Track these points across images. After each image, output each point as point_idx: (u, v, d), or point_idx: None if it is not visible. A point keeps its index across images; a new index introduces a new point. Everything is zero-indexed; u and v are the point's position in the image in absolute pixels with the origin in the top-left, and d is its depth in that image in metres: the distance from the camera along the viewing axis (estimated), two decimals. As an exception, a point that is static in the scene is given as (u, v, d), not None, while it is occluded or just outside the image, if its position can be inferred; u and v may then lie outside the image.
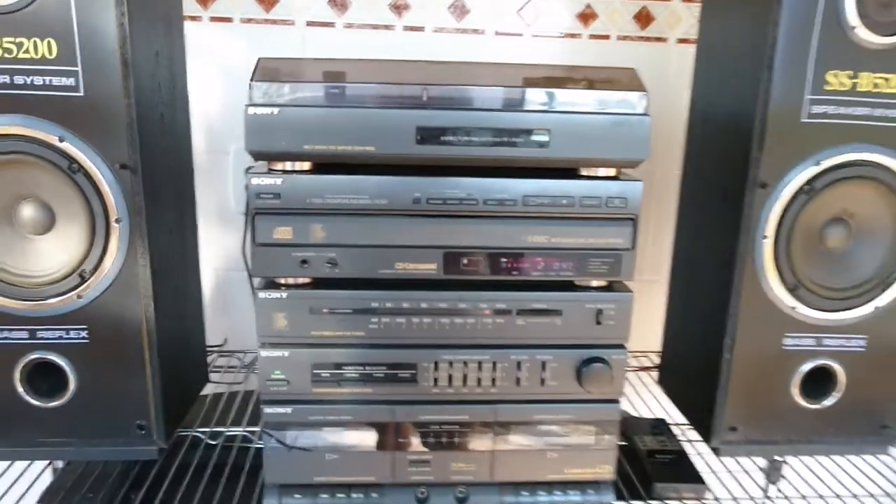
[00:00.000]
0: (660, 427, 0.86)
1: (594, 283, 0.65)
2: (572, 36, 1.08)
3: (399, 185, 0.61)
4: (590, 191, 0.62)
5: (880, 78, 0.70)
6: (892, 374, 0.78)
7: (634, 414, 0.92)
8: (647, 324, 0.99)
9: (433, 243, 0.62)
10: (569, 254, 0.63)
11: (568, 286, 0.65)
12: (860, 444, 0.81)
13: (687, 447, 0.84)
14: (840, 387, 0.78)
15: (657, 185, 1.09)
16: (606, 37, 1.09)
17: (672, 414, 0.90)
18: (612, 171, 0.63)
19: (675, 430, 0.88)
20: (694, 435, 0.83)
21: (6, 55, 0.63)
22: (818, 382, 0.78)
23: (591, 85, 0.62)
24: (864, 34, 0.68)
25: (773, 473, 1.10)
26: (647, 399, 0.97)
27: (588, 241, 0.63)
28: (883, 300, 0.75)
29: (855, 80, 0.70)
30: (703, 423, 0.81)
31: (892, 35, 0.68)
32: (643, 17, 1.08)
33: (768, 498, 0.90)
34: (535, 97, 0.61)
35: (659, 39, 1.09)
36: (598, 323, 0.64)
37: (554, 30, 1.07)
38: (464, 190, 0.61)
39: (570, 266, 0.63)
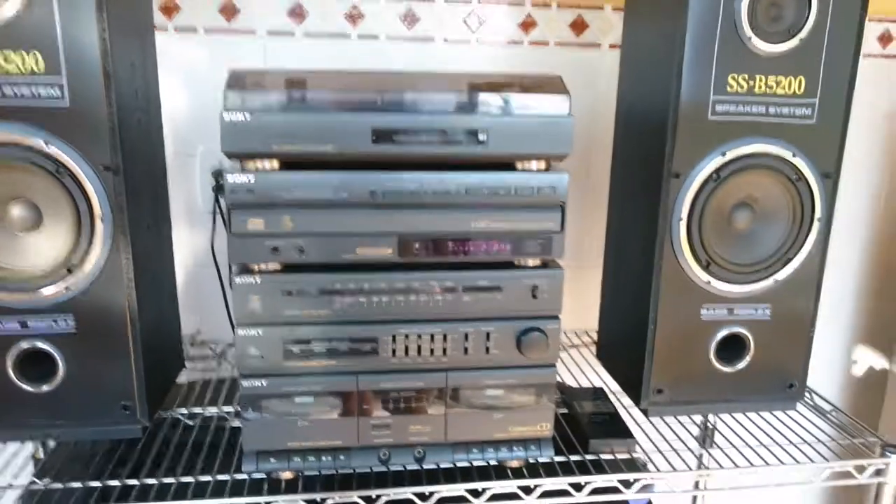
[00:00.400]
0: (598, 395, 0.96)
1: (530, 263, 0.74)
2: (514, 43, 1.17)
3: (357, 180, 0.69)
4: (523, 182, 0.71)
5: (773, 80, 0.81)
6: (794, 339, 0.89)
7: (576, 386, 1.02)
8: (591, 305, 1.09)
9: (388, 230, 0.71)
10: (507, 237, 0.72)
11: (507, 265, 0.74)
12: (770, 401, 0.91)
13: (623, 413, 0.94)
14: (750, 351, 0.88)
15: (595, 177, 1.19)
16: (546, 43, 1.18)
17: (611, 385, 1.00)
18: (542, 165, 0.72)
19: (612, 397, 0.98)
20: (629, 402, 0.93)
21: (-4, 68, 0.69)
22: (733, 348, 0.89)
23: (522, 90, 0.71)
24: (757, 43, 0.78)
25: (706, 439, 1.22)
26: (588, 373, 1.07)
27: (523, 225, 0.72)
28: (782, 274, 0.86)
29: (751, 83, 0.80)
30: (634, 389, 0.91)
31: (781, 43, 0.79)
32: (578, 25, 1.18)
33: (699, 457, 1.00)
34: (475, 101, 0.70)
35: (593, 45, 1.19)
36: (534, 297, 0.74)
37: (497, 37, 1.16)
38: (414, 183, 0.70)
39: (508, 248, 0.72)
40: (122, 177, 0.73)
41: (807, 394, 0.98)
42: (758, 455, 0.84)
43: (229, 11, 1.09)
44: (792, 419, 0.93)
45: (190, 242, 1.15)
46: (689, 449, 0.86)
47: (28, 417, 0.77)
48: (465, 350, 0.74)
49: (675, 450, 0.85)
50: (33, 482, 0.76)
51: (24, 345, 0.75)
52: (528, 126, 0.70)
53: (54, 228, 0.73)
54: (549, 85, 0.71)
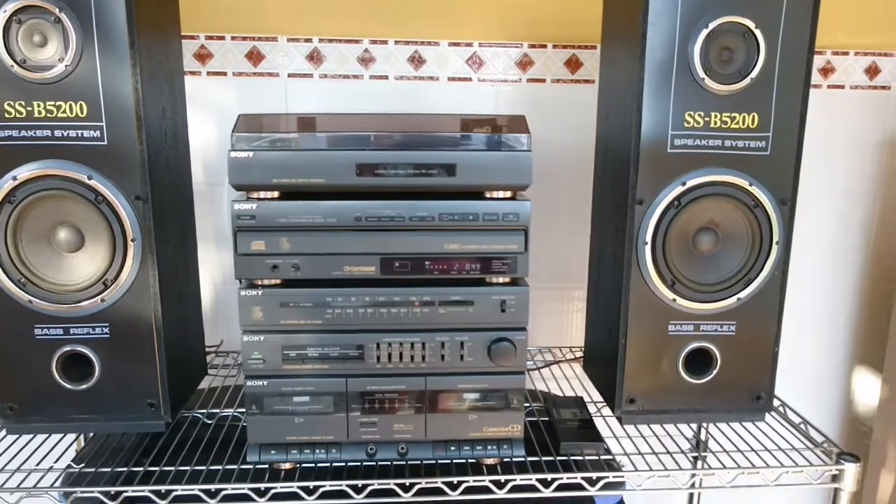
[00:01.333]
0: (578, 403, 1.04)
1: (498, 280, 0.84)
2: (513, 81, 1.27)
3: (344, 207, 0.80)
4: (490, 209, 0.81)
5: (728, 116, 0.88)
6: (760, 354, 0.95)
7: (560, 394, 1.10)
8: (582, 323, 1.17)
9: (372, 251, 0.81)
10: (476, 257, 0.82)
11: (478, 282, 0.84)
12: (739, 412, 0.97)
13: (607, 421, 1.02)
14: (717, 365, 0.94)
15: (585, 203, 1.28)
16: (543, 80, 1.28)
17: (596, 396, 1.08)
18: (508, 194, 0.82)
19: (592, 406, 1.05)
20: (608, 411, 1.01)
21: (48, 115, 0.81)
22: (701, 362, 0.96)
23: (489, 129, 0.81)
24: (710, 84, 0.86)
25: (699, 446, 1.28)
26: (574, 384, 1.14)
27: (491, 247, 0.81)
28: (744, 293, 0.93)
29: (706, 119, 0.88)
30: (611, 398, 0.98)
31: (731, 84, 0.87)
32: (573, 63, 1.28)
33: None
34: (447, 140, 0.81)
35: (587, 81, 1.28)
36: (503, 311, 0.83)
37: (497, 75, 1.27)
38: (394, 210, 0.80)
39: (478, 267, 0.82)
40: (150, 205, 0.85)
41: (781, 408, 1.04)
42: (717, 459, 0.91)
43: (255, 57, 1.23)
44: (761, 430, 0.98)
45: (218, 262, 1.28)
46: (668, 453, 0.93)
47: (68, 412, 0.89)
48: (442, 357, 0.84)
49: (654, 452, 0.92)
50: (70, 466, 0.88)
51: (67, 348, 0.87)
52: (493, 160, 0.80)
53: (94, 249, 0.86)
54: (514, 124, 0.81)
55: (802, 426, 0.99)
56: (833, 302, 1.41)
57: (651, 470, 0.88)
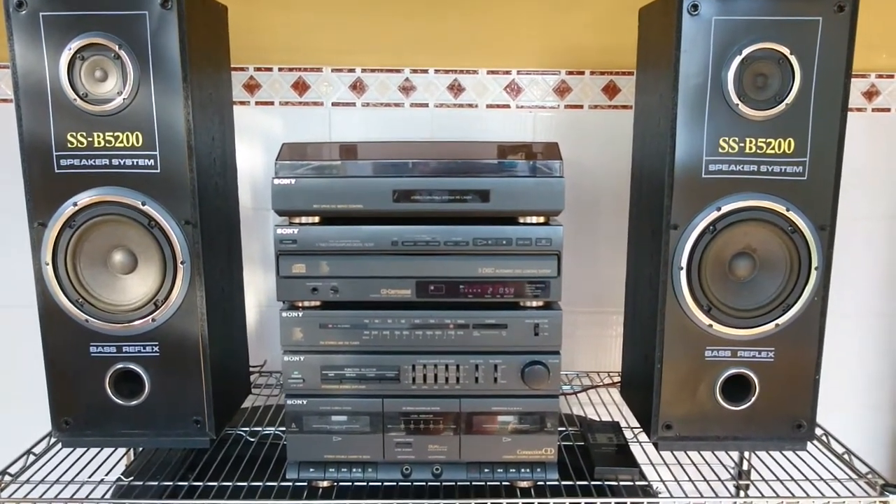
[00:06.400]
0: (613, 428, 1.03)
1: (532, 304, 0.85)
2: (551, 108, 1.29)
3: (382, 232, 0.83)
4: (523, 234, 0.82)
5: (763, 142, 0.88)
6: (800, 381, 0.94)
7: (596, 419, 1.10)
8: (619, 348, 1.17)
9: (408, 275, 0.84)
10: (510, 281, 0.83)
11: (512, 306, 0.85)
12: (779, 441, 0.96)
13: (636, 446, 1.01)
14: (755, 392, 0.93)
15: (623, 228, 1.28)
16: (580, 106, 1.29)
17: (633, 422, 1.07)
18: (541, 219, 0.84)
19: (628, 432, 1.05)
20: (644, 437, 1.00)
21: (107, 144, 0.87)
22: (740, 388, 0.95)
23: (522, 155, 0.83)
24: (744, 109, 0.87)
25: (740, 475, 1.25)
26: (611, 409, 1.14)
27: (524, 271, 0.83)
28: (783, 320, 0.92)
29: (741, 144, 0.88)
30: (647, 424, 0.98)
31: (766, 110, 0.87)
32: (611, 89, 1.29)
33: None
34: (481, 166, 0.83)
35: (625, 107, 1.29)
36: (536, 334, 0.84)
37: (535, 102, 1.29)
38: (429, 235, 0.83)
39: (512, 291, 0.83)
40: (199, 229, 0.89)
41: (824, 437, 1.01)
42: (756, 489, 0.89)
43: (300, 87, 1.28)
44: (802, 460, 0.96)
45: (263, 284, 1.32)
46: (706, 480, 0.92)
47: (119, 427, 0.93)
48: (476, 379, 0.85)
49: (690, 480, 0.91)
50: (120, 479, 0.92)
51: (119, 366, 0.91)
52: (526, 186, 0.82)
53: (146, 271, 0.90)
54: (547, 151, 0.83)
55: (846, 456, 0.97)
56: (878, 328, 1.37)
57: (687, 497, 0.88)
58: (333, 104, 1.28)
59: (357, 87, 1.28)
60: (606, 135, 1.29)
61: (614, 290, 1.28)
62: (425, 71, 1.27)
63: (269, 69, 1.27)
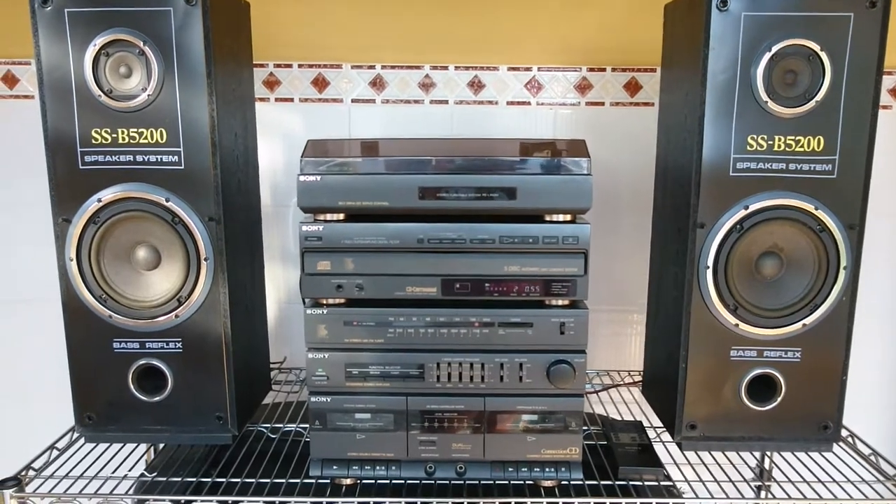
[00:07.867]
0: (636, 427, 1.03)
1: (558, 302, 0.84)
2: (572, 104, 1.28)
3: (407, 229, 0.83)
4: (550, 232, 0.82)
5: (792, 140, 0.87)
6: (827, 382, 0.93)
7: (618, 418, 1.09)
8: (640, 347, 1.16)
9: (433, 272, 0.83)
10: (536, 279, 0.83)
11: (537, 304, 0.85)
12: (805, 442, 0.95)
13: (659, 446, 1.01)
14: (781, 392, 0.93)
15: (644, 226, 1.27)
16: (602, 103, 1.28)
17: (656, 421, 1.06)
18: (568, 217, 0.83)
19: (651, 431, 1.04)
20: (667, 437, 1.00)
21: (132, 141, 0.87)
22: (765, 389, 0.94)
23: (549, 153, 0.82)
24: (773, 107, 0.86)
25: (762, 475, 1.24)
26: (633, 408, 1.13)
27: (550, 270, 0.82)
28: (810, 319, 0.91)
29: (770, 142, 0.87)
30: (671, 424, 0.97)
31: (796, 107, 0.86)
32: (632, 86, 1.28)
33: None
34: (508, 163, 0.82)
35: (646, 104, 1.28)
36: (562, 333, 0.83)
37: (556, 99, 1.28)
38: (455, 232, 0.82)
39: (538, 289, 0.83)
40: (222, 225, 0.89)
41: (850, 438, 1.00)
42: (782, 489, 0.89)
43: (320, 84, 1.27)
44: (828, 461, 0.95)
45: (283, 281, 1.32)
46: (730, 481, 0.91)
47: (142, 423, 0.93)
48: (501, 378, 0.85)
49: (715, 480, 0.90)
50: (143, 475, 0.92)
51: (142, 362, 0.91)
52: (553, 184, 0.81)
53: (169, 267, 0.90)
54: (574, 148, 0.82)
55: (872, 458, 0.96)
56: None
57: (713, 498, 0.87)
58: (353, 101, 1.28)
59: (377, 83, 1.27)
60: (628, 132, 1.28)
61: (634, 287, 1.28)
62: (445, 67, 1.26)
63: (289, 66, 1.26)
